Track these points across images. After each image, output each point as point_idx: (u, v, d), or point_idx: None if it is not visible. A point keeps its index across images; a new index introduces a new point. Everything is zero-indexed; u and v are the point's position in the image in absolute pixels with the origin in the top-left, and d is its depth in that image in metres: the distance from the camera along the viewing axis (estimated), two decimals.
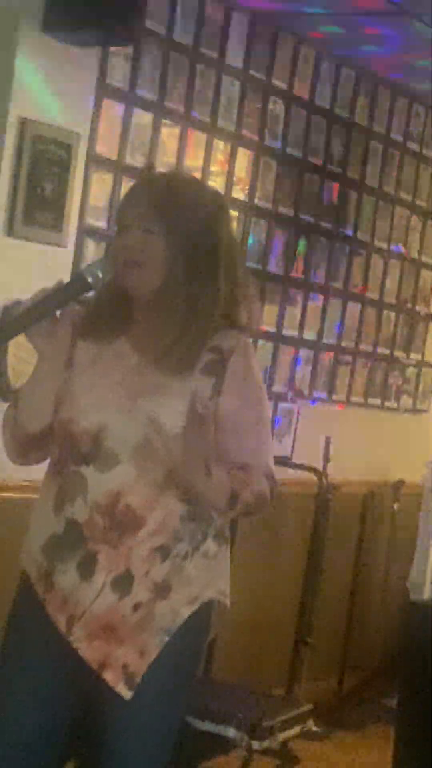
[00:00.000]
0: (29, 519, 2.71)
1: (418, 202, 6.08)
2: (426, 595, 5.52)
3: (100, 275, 2.61)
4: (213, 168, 4.84)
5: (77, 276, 2.66)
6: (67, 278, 2.74)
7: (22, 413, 2.69)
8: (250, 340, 2.77)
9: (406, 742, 4.02)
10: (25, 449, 2.73)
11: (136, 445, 2.57)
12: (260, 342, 5.16)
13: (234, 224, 4.91)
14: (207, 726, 4.01)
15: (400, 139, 5.88)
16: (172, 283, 2.62)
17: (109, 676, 2.58)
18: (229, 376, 2.63)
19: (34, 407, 2.69)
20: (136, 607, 2.59)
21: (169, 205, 2.64)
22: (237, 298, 2.69)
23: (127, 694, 2.58)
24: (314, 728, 4.43)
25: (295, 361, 5.40)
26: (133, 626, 2.59)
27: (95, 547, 2.59)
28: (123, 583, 2.58)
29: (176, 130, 4.64)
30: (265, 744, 4.13)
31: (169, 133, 4.62)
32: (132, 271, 2.63)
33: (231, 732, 4.02)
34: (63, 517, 2.61)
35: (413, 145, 5.98)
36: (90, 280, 2.61)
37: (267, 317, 5.21)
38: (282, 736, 4.25)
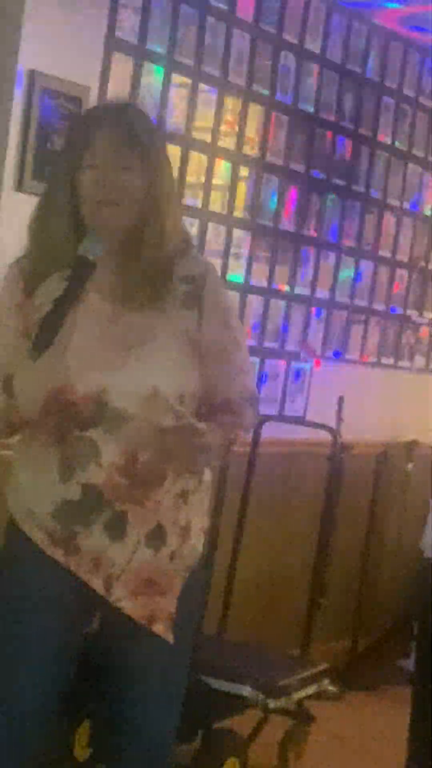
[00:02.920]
0: (16, 482, 2.62)
1: (430, 158, 6.00)
2: None
3: (98, 249, 2.52)
4: (222, 128, 4.77)
5: (80, 260, 2.53)
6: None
7: (19, 402, 2.57)
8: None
9: (424, 701, 3.98)
10: (16, 429, 2.64)
11: (143, 398, 2.52)
12: (272, 300, 5.11)
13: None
14: (222, 685, 3.99)
15: (412, 94, 5.80)
16: (145, 219, 2.55)
17: (158, 629, 2.59)
18: (208, 305, 2.61)
19: (32, 394, 2.56)
20: (171, 556, 2.60)
21: (146, 138, 2.57)
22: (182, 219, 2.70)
23: (171, 638, 2.59)
24: (330, 687, 4.41)
25: (308, 320, 5.35)
26: (171, 574, 2.60)
27: (122, 507, 2.55)
28: (156, 536, 2.58)
29: (187, 86, 4.57)
30: (281, 703, 4.12)
31: (180, 88, 4.55)
32: (109, 211, 2.54)
33: (247, 691, 4.00)
34: (75, 483, 2.54)
35: (425, 101, 5.91)
36: (91, 258, 2.52)
37: (279, 275, 5.16)
38: (297, 695, 4.23)
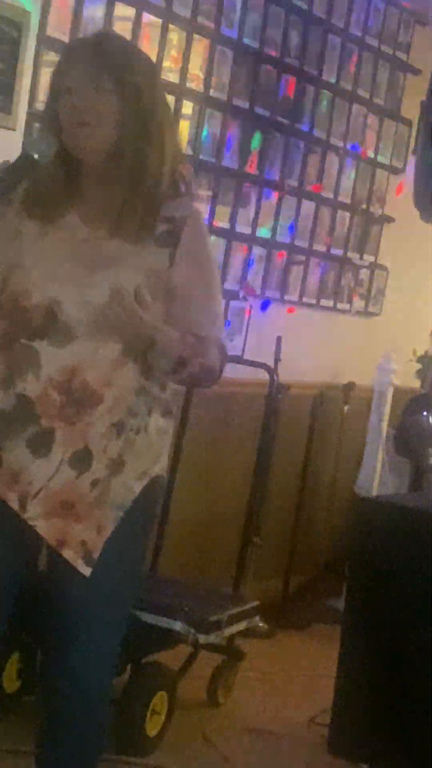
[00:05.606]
0: None
1: (375, 100, 5.96)
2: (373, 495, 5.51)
3: (46, 151, 2.53)
4: (166, 64, 4.69)
5: (23, 155, 2.57)
6: None
7: None
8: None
9: (353, 638, 4.01)
10: None
11: (94, 319, 2.51)
12: (212, 238, 5.07)
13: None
14: (153, 619, 3.98)
15: (358, 34, 5.75)
16: (123, 143, 2.55)
17: (68, 554, 2.57)
18: (183, 247, 2.60)
19: None
20: (93, 483, 2.57)
21: (120, 60, 2.56)
22: (179, 161, 2.65)
23: (86, 570, 2.57)
24: (261, 624, 4.43)
25: (248, 259, 5.31)
26: (91, 503, 2.57)
27: (51, 423, 2.54)
28: (81, 459, 2.56)
29: (130, 17, 4.49)
30: (212, 638, 4.12)
31: (123, 21, 4.47)
32: (83, 132, 2.54)
33: (177, 626, 4.00)
34: (12, 393, 2.55)
35: (372, 41, 5.86)
36: (36, 157, 2.54)
37: (220, 213, 5.11)
38: (228, 631, 4.24)
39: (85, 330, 2.53)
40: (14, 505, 2.55)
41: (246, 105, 5.13)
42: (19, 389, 2.54)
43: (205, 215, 4.99)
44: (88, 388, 2.54)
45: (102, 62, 2.55)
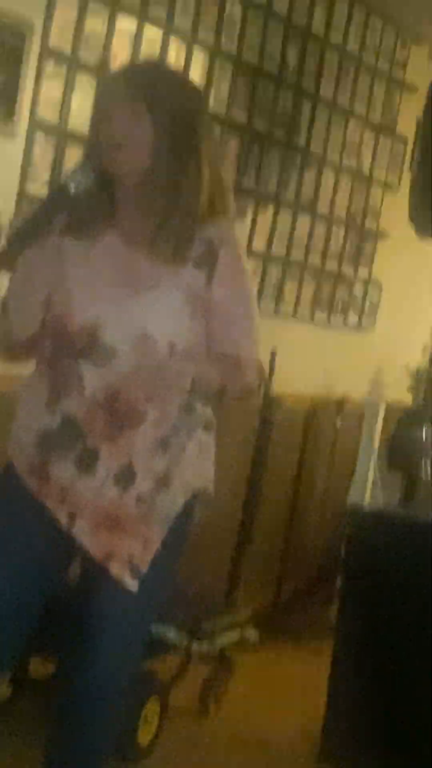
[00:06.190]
0: (17, 411, 2.70)
1: (371, 116, 6.01)
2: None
3: (83, 181, 2.58)
4: None
5: (60, 187, 2.61)
6: (17, 171, 2.69)
7: (12, 323, 2.67)
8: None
9: (345, 648, 4.04)
10: (15, 353, 2.73)
11: (133, 340, 2.57)
12: None
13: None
14: None
15: (356, 51, 5.80)
16: (156, 168, 2.60)
17: (115, 567, 2.61)
18: (220, 268, 2.63)
19: (25, 316, 2.66)
20: (139, 499, 2.61)
21: (153, 85, 2.63)
22: (218, 184, 2.68)
23: (132, 585, 2.61)
24: (253, 635, 4.44)
25: None
26: (136, 518, 2.62)
27: (96, 442, 2.59)
28: (125, 476, 2.60)
29: (131, 27, 4.53)
30: (205, 646, 4.13)
31: (125, 30, 4.51)
32: (118, 155, 2.59)
33: (171, 633, 4.02)
34: (58, 412, 2.60)
35: (369, 58, 5.91)
36: (73, 189, 2.57)
37: None
38: (221, 640, 4.25)
39: (125, 350, 2.58)
40: (63, 520, 2.61)
41: (244, 119, 5.17)
42: (65, 409, 2.60)
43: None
44: (131, 406, 2.59)
45: (136, 89, 2.61)
